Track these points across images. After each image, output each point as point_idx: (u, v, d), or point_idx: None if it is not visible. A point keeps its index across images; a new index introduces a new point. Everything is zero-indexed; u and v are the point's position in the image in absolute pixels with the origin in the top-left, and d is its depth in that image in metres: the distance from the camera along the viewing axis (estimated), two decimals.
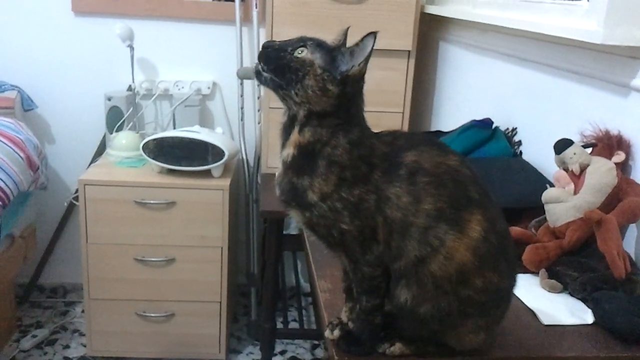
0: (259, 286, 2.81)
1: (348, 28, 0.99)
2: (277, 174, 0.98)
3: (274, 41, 0.95)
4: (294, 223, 2.83)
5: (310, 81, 0.90)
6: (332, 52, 0.93)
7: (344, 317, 1.04)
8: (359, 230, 0.92)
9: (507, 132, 1.90)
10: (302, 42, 0.93)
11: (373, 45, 0.90)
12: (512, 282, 1.00)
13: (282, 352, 2.68)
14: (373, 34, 0.90)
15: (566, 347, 1.07)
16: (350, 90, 0.93)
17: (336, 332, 1.02)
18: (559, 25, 1.41)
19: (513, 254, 1.01)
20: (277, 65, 0.92)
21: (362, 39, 0.91)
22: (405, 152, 0.94)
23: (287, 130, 0.96)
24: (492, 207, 0.95)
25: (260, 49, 0.95)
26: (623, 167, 1.33)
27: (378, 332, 1.00)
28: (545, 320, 1.15)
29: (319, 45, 0.93)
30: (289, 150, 0.95)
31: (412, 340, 1.00)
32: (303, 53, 0.92)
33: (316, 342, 2.76)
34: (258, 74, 0.95)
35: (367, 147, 0.93)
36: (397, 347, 1.00)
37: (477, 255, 0.91)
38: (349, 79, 0.92)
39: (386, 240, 0.93)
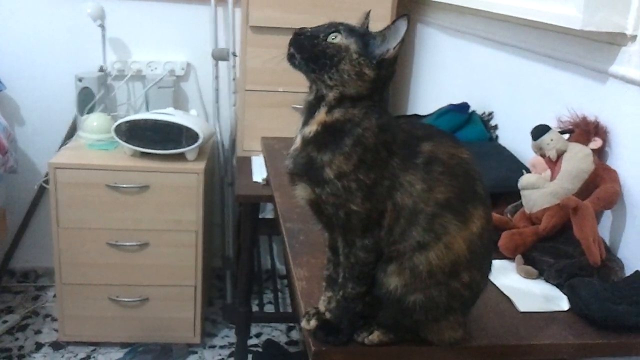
0: (234, 269, 2.80)
1: (369, 11, 0.99)
2: (292, 148, 0.98)
3: (306, 28, 0.95)
4: (270, 207, 2.83)
5: (346, 66, 0.91)
6: (364, 36, 0.93)
7: (322, 307, 1.02)
8: (367, 213, 0.92)
9: (483, 116, 1.90)
10: (334, 27, 0.93)
11: (407, 28, 0.89)
12: (485, 285, 1.02)
13: (258, 335, 2.67)
14: (405, 16, 0.90)
15: (542, 334, 1.07)
16: (384, 73, 0.93)
17: (313, 322, 1.01)
18: (538, 9, 1.40)
19: (491, 259, 1.02)
20: (311, 53, 0.92)
21: (394, 22, 0.91)
22: (422, 142, 0.95)
23: (311, 109, 0.95)
24: (489, 207, 0.98)
25: (292, 36, 0.95)
26: (600, 154, 1.33)
27: (356, 320, 1.00)
28: (521, 307, 1.15)
29: (352, 30, 0.93)
30: (313, 127, 0.94)
31: (390, 328, 0.99)
32: (337, 39, 0.92)
33: (292, 324, 2.75)
34: (292, 57, 0.94)
35: (391, 133, 0.94)
36: (375, 335, 0.99)
37: (471, 250, 0.93)
38: (384, 63, 0.92)
39: (390, 225, 0.93)
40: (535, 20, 1.42)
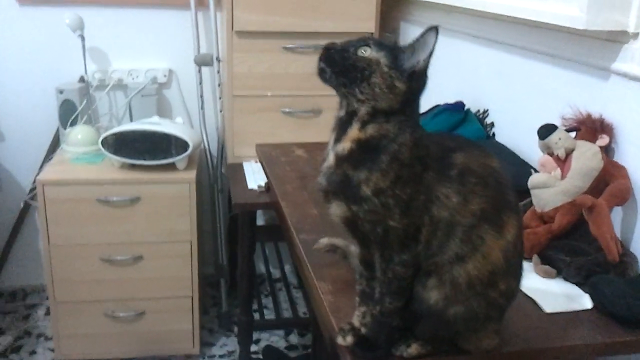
0: (228, 277, 2.78)
1: (398, 25, 0.99)
2: (324, 165, 0.97)
3: (335, 42, 0.95)
4: (261, 213, 2.82)
5: (377, 79, 0.91)
6: (393, 50, 0.92)
7: (356, 322, 1.02)
8: (404, 228, 0.92)
9: (478, 114, 1.92)
10: (364, 41, 0.93)
11: (436, 40, 0.89)
12: (518, 291, 1.03)
13: (256, 341, 2.66)
14: (435, 29, 0.89)
15: (571, 335, 1.09)
16: (415, 86, 0.93)
17: (349, 338, 1.01)
18: (540, 9, 1.41)
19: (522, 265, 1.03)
20: (342, 67, 0.92)
21: (423, 34, 0.90)
22: (454, 153, 0.95)
23: (343, 125, 0.95)
24: (520, 214, 0.99)
25: (322, 50, 0.94)
26: (606, 150, 1.35)
27: (393, 335, 1.00)
28: (547, 307, 1.16)
29: (381, 43, 0.93)
30: (346, 145, 0.94)
31: (427, 340, 1.00)
32: (367, 52, 0.92)
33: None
34: (322, 72, 0.94)
35: (425, 147, 0.94)
36: (413, 348, 0.99)
37: (506, 258, 0.94)
38: (414, 75, 0.92)
39: (427, 239, 0.93)
40: (537, 20, 1.43)
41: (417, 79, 0.93)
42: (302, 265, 1.32)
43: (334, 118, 0.98)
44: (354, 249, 1.05)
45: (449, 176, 0.93)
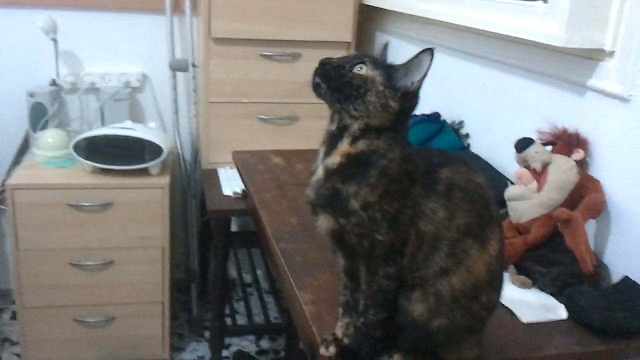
0: (199, 282, 2.76)
1: (387, 44, 1.00)
2: (313, 178, 0.98)
3: (331, 58, 0.95)
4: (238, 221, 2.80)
5: (372, 97, 0.91)
6: (388, 68, 0.93)
7: (339, 333, 1.03)
8: (391, 242, 0.93)
9: (453, 125, 1.94)
10: (359, 59, 0.94)
11: (431, 62, 0.90)
12: (499, 303, 1.04)
13: (227, 346, 2.64)
14: (430, 51, 0.90)
15: (548, 345, 1.11)
16: (407, 105, 0.94)
17: (332, 349, 1.01)
18: (516, 26, 1.45)
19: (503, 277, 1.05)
20: (337, 84, 0.93)
21: (417, 55, 0.91)
22: (440, 169, 0.96)
23: (334, 139, 0.95)
24: (502, 228, 1.00)
25: (318, 66, 0.95)
26: (581, 164, 1.39)
27: (376, 346, 1.01)
28: (523, 317, 1.19)
29: (376, 62, 0.94)
30: (336, 159, 0.94)
31: (410, 351, 1.01)
32: (363, 70, 0.92)
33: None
34: (317, 87, 0.94)
35: (413, 162, 0.95)
36: (396, 359, 1.00)
37: (489, 272, 0.95)
38: (408, 95, 0.93)
39: (413, 253, 0.94)
40: (517, 37, 1.46)
41: (410, 99, 0.94)
42: (282, 274, 1.32)
43: (324, 132, 0.98)
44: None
45: (435, 191, 0.94)
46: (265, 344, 2.72)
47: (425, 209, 0.94)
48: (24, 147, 2.57)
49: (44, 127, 2.46)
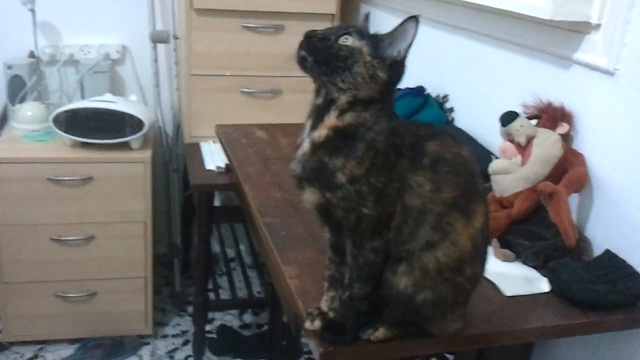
0: (182, 256, 2.75)
1: (369, 14, 0.99)
2: (299, 152, 0.96)
3: (317, 30, 0.93)
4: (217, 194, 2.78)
5: (359, 69, 0.90)
6: (373, 38, 0.92)
7: (324, 307, 1.03)
8: (377, 216, 0.93)
9: (437, 98, 1.94)
10: (345, 29, 0.92)
11: (416, 30, 0.89)
12: (483, 276, 1.05)
13: (210, 321, 2.64)
14: (415, 18, 0.89)
15: (530, 318, 1.12)
16: (395, 75, 0.93)
17: (317, 323, 1.01)
18: None
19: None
20: (324, 56, 0.91)
21: (402, 24, 0.90)
22: (427, 142, 0.95)
23: (320, 113, 0.94)
24: (487, 202, 1.00)
25: (303, 39, 0.93)
26: (566, 138, 1.39)
27: (361, 319, 1.01)
28: (507, 291, 1.19)
29: (361, 32, 0.93)
30: (323, 132, 0.93)
31: (394, 324, 1.01)
32: (349, 41, 0.91)
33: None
34: (303, 60, 0.93)
35: (400, 136, 0.94)
36: (380, 332, 1.01)
37: (474, 245, 0.96)
38: (395, 65, 0.92)
39: (399, 227, 0.94)
40: (504, 9, 1.45)
41: (397, 69, 0.93)
42: (267, 249, 1.32)
43: (310, 105, 0.97)
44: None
45: (422, 165, 0.94)
46: (248, 318, 2.72)
47: (411, 183, 0.93)
48: (2, 121, 2.52)
49: (22, 100, 2.42)
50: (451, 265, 0.95)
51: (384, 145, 0.92)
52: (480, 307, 1.13)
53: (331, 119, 0.93)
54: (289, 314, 1.20)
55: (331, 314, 1.01)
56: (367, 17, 0.99)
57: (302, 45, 0.93)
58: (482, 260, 1.01)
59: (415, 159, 0.94)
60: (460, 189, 0.95)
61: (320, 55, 0.92)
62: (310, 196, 0.96)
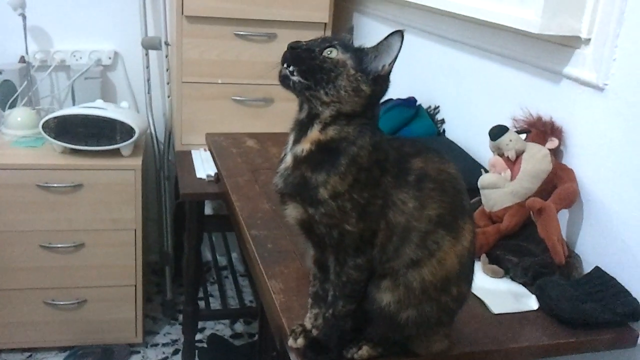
0: (173, 264, 2.73)
1: (353, 27, 0.99)
2: (281, 167, 0.95)
3: (300, 41, 0.92)
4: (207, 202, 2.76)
5: (343, 82, 0.89)
6: (358, 52, 0.91)
7: (308, 324, 1.01)
8: (360, 233, 0.91)
9: (429, 110, 1.92)
10: (329, 42, 0.91)
11: (401, 45, 0.88)
12: (469, 295, 1.04)
13: (201, 330, 2.63)
14: (400, 33, 0.88)
15: (518, 337, 1.11)
16: (378, 90, 0.92)
17: (300, 341, 1.00)
18: (496, 11, 1.42)
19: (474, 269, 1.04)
20: (308, 66, 0.89)
21: (387, 38, 0.89)
22: (412, 159, 0.94)
23: (304, 127, 0.93)
24: (474, 219, 1.00)
25: (287, 50, 0.91)
26: (555, 153, 1.38)
27: (345, 337, 0.99)
28: (494, 308, 1.18)
29: (346, 45, 0.92)
30: (305, 146, 0.92)
31: (378, 342, 1.00)
32: (333, 53, 0.90)
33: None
34: (285, 79, 0.91)
35: (384, 151, 0.93)
36: (364, 351, 0.99)
37: (461, 263, 0.94)
38: (379, 79, 0.91)
39: (383, 244, 0.92)
40: (493, 22, 1.44)
41: (381, 83, 0.92)
42: (253, 262, 1.30)
43: (292, 120, 0.96)
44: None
45: (406, 181, 0.93)
46: (239, 327, 2.71)
47: (395, 200, 0.92)
48: None
49: (12, 105, 2.41)
50: (436, 284, 0.93)
51: (368, 160, 0.91)
52: (467, 326, 1.12)
53: (314, 133, 0.92)
54: (274, 329, 1.18)
55: (314, 332, 1.00)
56: (351, 30, 0.98)
57: (285, 56, 0.92)
58: (468, 279, 1.00)
59: (399, 176, 0.93)
60: (446, 207, 0.93)
61: (304, 66, 0.90)
62: (292, 211, 0.95)
